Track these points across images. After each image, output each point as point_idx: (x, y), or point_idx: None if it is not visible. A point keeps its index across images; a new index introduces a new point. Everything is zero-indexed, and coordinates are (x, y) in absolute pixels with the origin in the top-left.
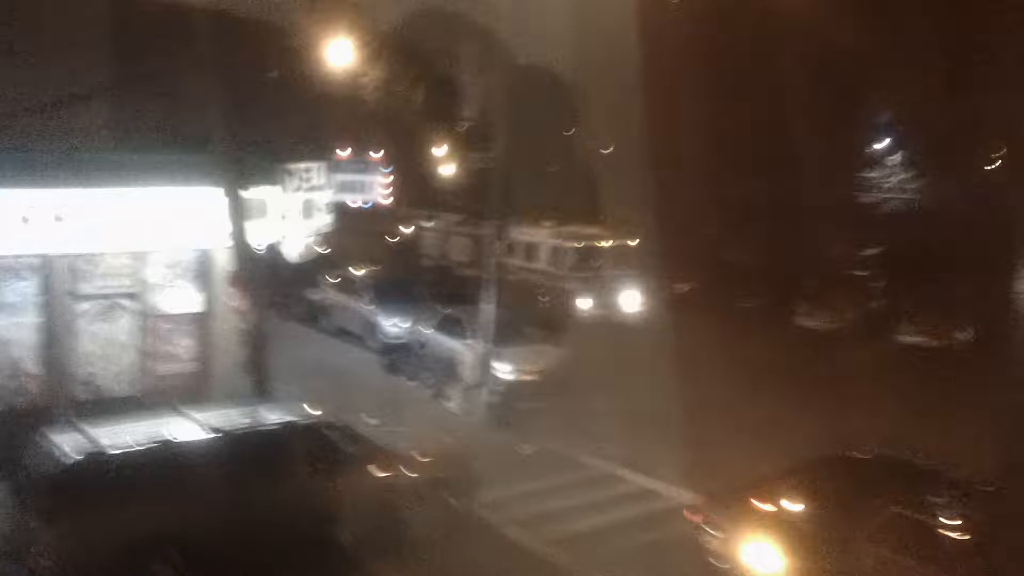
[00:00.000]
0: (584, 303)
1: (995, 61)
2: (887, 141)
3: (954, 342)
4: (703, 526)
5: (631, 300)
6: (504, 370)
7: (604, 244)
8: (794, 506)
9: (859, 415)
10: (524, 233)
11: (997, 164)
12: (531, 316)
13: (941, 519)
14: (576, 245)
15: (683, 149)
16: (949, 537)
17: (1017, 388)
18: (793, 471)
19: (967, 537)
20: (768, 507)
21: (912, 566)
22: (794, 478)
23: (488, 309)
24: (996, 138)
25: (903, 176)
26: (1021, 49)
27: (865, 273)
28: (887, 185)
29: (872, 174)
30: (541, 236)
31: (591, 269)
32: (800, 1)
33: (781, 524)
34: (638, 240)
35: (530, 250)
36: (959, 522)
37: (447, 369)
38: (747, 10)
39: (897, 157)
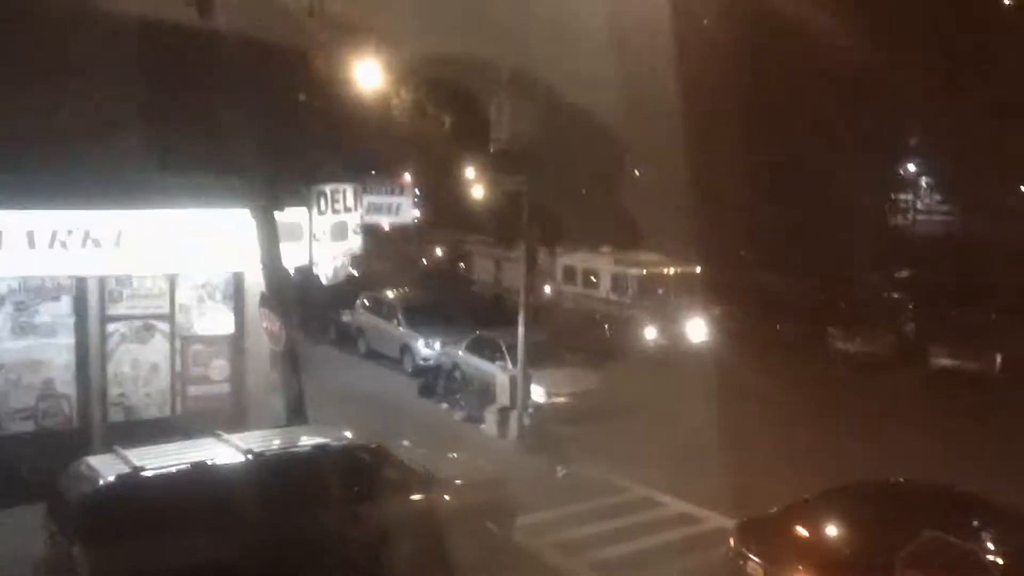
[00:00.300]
0: (648, 331)
1: None
2: (918, 165)
3: (986, 366)
4: (743, 550)
5: (696, 329)
6: (539, 393)
7: (668, 272)
8: (832, 531)
9: (896, 439)
10: (582, 259)
11: None
12: (587, 342)
13: (979, 544)
14: (641, 272)
15: (720, 178)
16: (988, 562)
17: None
18: (831, 496)
19: (1005, 563)
20: (806, 531)
21: None
22: (832, 503)
23: (523, 332)
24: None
25: (935, 199)
26: None
27: (898, 296)
28: (919, 208)
29: (904, 197)
30: (601, 263)
31: (655, 297)
32: (830, 27)
33: (819, 548)
34: (700, 269)
35: (589, 276)
36: (997, 547)
37: (484, 392)
38: (779, 38)
39: (927, 180)
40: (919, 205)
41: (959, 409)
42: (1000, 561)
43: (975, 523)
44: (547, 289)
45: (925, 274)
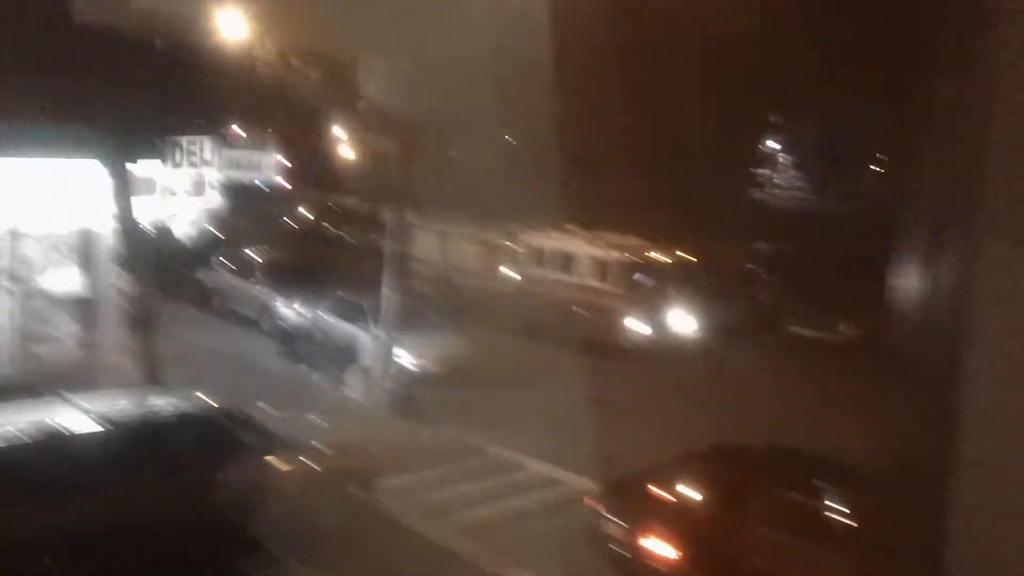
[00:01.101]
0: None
1: (885, 70)
2: (780, 142)
3: (842, 337)
4: (604, 514)
5: (684, 321)
6: (405, 356)
7: (657, 257)
8: (689, 493)
9: (752, 406)
10: (553, 241)
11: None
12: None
13: (827, 503)
14: (629, 258)
15: (585, 147)
16: (835, 519)
17: (896, 383)
18: (689, 460)
19: (851, 520)
20: (665, 494)
21: (801, 547)
22: (690, 466)
23: (390, 295)
24: (881, 145)
25: (794, 176)
26: (906, 59)
27: (753, 267)
28: (780, 184)
29: (765, 172)
30: (578, 246)
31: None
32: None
33: (677, 511)
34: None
35: (562, 260)
36: (838, 504)
37: (347, 355)
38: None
39: (789, 158)
40: (778, 181)
41: (812, 377)
42: (841, 518)
43: (818, 482)
44: (507, 272)
45: (781, 246)
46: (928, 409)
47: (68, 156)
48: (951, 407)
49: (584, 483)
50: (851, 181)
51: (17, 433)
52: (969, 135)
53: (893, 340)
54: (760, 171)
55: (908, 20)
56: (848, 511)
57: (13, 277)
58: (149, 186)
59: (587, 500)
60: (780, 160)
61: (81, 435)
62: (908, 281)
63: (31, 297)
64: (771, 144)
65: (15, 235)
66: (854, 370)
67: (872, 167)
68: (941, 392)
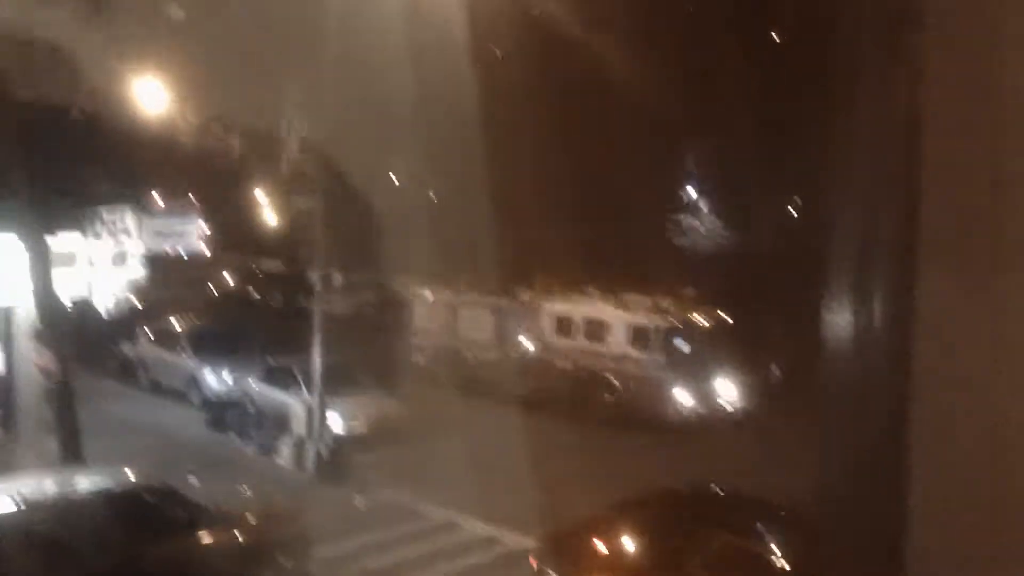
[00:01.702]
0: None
1: (792, 111)
2: (697, 188)
3: (766, 376)
4: (544, 569)
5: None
6: (337, 421)
7: (699, 321)
8: (628, 542)
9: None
10: (582, 307)
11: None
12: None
13: (764, 545)
14: (671, 322)
15: (514, 195)
16: (772, 562)
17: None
18: (627, 508)
19: (787, 561)
20: (605, 546)
21: None
22: (629, 515)
23: (317, 359)
24: (794, 186)
25: (714, 222)
26: (814, 99)
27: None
28: (702, 230)
29: (685, 219)
30: (609, 312)
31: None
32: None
33: (618, 561)
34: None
35: (593, 327)
36: (779, 547)
37: (276, 423)
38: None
39: (708, 203)
40: (699, 226)
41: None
42: (782, 560)
43: (759, 526)
44: (526, 343)
45: (705, 293)
46: (865, 442)
47: None
48: (891, 438)
49: (525, 540)
50: (771, 218)
51: None
52: (895, 153)
53: (827, 375)
54: (681, 217)
55: (817, 31)
56: (785, 553)
57: None
58: (69, 259)
59: (530, 558)
60: (699, 205)
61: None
62: (840, 315)
63: None
64: (688, 189)
65: None
66: (785, 409)
67: (794, 200)
68: (879, 423)
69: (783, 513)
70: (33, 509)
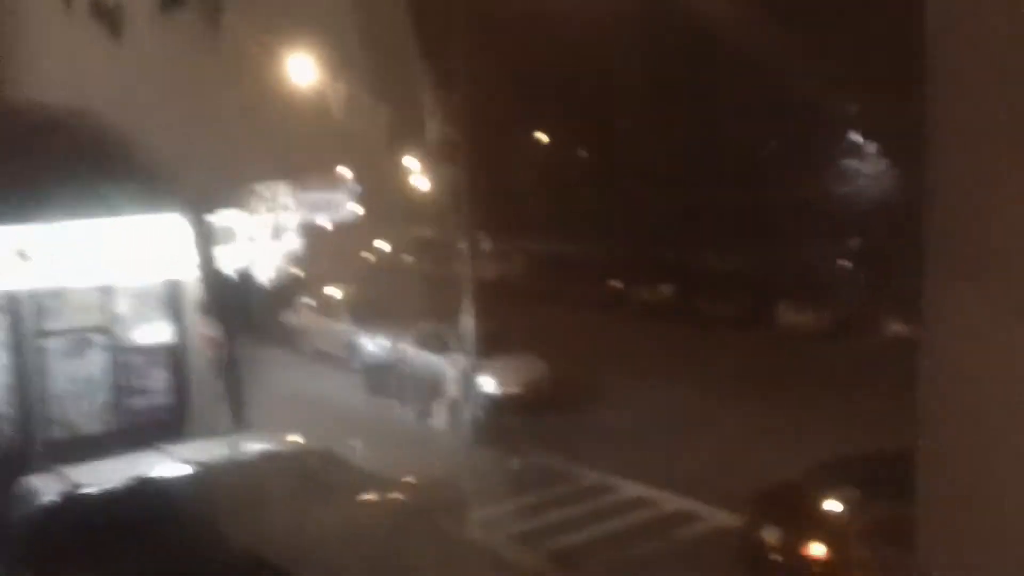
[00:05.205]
0: None
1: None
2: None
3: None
4: (761, 524)
5: None
6: (490, 384)
7: None
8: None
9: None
10: None
11: None
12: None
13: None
14: None
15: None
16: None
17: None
18: (828, 467)
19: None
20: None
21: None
22: (828, 475)
23: (471, 323)
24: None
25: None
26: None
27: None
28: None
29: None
30: None
31: None
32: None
33: (830, 519)
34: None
35: None
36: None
37: (431, 387)
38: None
39: (875, 147)
40: (865, 171)
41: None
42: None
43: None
44: None
45: (874, 241)
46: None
47: (153, 213)
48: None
49: (680, 501)
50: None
51: (112, 482)
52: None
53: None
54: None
55: None
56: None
57: (104, 332)
58: (229, 234)
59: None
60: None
61: (171, 480)
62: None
63: (126, 353)
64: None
65: (105, 291)
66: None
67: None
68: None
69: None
70: (204, 473)
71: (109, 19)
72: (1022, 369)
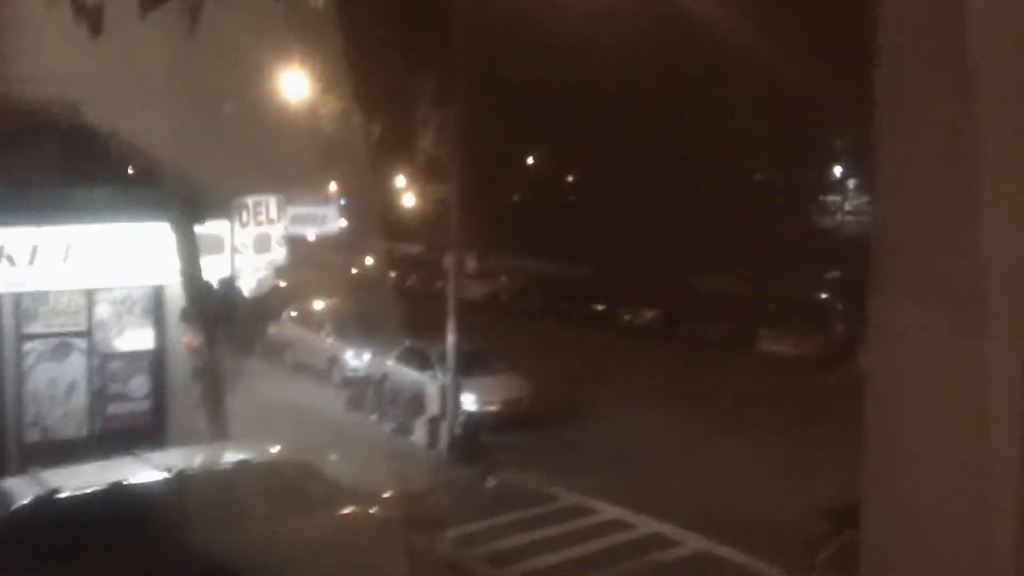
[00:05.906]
0: None
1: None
2: (845, 168)
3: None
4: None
5: None
6: (470, 401)
7: None
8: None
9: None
10: None
11: None
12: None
13: None
14: None
15: (641, 178)
16: None
17: None
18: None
19: None
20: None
21: None
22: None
23: (452, 341)
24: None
25: (863, 201)
26: None
27: (827, 297)
28: (847, 209)
29: (833, 198)
30: None
31: None
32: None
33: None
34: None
35: None
36: None
37: (411, 402)
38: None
39: (855, 182)
40: (847, 207)
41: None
42: None
43: None
44: None
45: (854, 274)
46: None
47: (140, 220)
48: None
49: (656, 525)
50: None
51: (87, 487)
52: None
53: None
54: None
55: None
56: None
57: (87, 337)
58: (217, 245)
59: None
60: (849, 186)
61: (147, 486)
62: None
63: (107, 359)
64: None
65: (90, 297)
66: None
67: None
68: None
69: None
70: (181, 481)
71: (89, 19)
72: (955, 378)
